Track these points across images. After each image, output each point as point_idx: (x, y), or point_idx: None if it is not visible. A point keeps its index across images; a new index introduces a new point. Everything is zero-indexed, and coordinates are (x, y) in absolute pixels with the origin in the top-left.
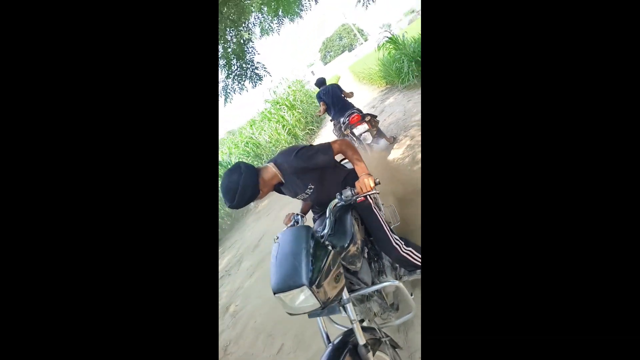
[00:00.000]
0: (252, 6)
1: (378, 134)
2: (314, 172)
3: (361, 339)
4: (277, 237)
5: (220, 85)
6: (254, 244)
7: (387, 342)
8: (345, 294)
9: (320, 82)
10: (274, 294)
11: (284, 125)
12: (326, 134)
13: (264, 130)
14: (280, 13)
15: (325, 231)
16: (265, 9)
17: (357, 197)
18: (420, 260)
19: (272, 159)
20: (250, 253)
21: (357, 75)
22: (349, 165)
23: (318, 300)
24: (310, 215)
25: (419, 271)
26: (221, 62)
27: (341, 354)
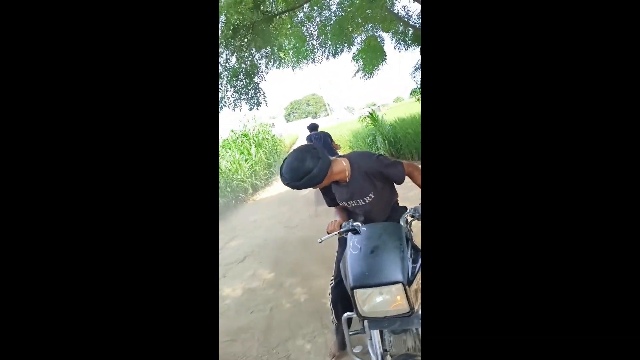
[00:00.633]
0: (276, 39)
1: None
2: (380, 183)
3: None
4: (355, 230)
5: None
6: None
7: None
8: None
9: (313, 127)
10: (354, 288)
11: (246, 159)
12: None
13: (224, 158)
14: (290, 54)
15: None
16: (285, 42)
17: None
18: None
19: (345, 154)
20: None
21: None
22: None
23: (409, 302)
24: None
25: None
26: (227, 72)
27: None
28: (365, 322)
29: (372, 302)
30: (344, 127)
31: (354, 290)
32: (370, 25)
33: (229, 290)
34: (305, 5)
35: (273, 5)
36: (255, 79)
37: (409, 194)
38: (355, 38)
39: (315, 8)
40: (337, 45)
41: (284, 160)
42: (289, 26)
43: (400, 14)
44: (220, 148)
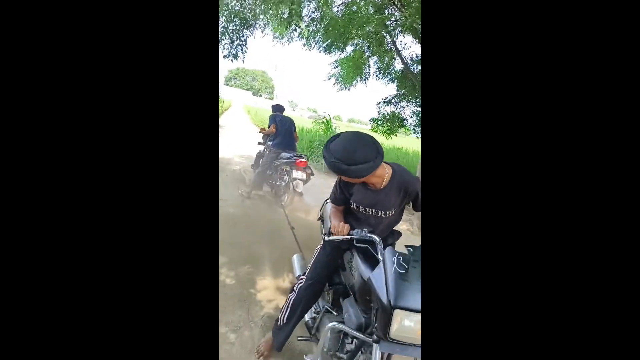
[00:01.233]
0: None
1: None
2: (404, 203)
3: None
4: (372, 241)
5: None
6: None
7: None
8: None
9: (279, 109)
10: (395, 308)
11: None
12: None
13: None
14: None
15: None
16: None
17: None
18: None
19: (388, 162)
20: None
21: (253, 118)
22: None
23: None
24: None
25: None
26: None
27: None
28: (376, 343)
29: (402, 325)
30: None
31: (394, 310)
32: (363, 40)
33: None
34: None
35: None
36: (247, 32)
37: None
38: (349, 46)
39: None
40: (332, 42)
41: (337, 137)
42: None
43: (398, 49)
44: None
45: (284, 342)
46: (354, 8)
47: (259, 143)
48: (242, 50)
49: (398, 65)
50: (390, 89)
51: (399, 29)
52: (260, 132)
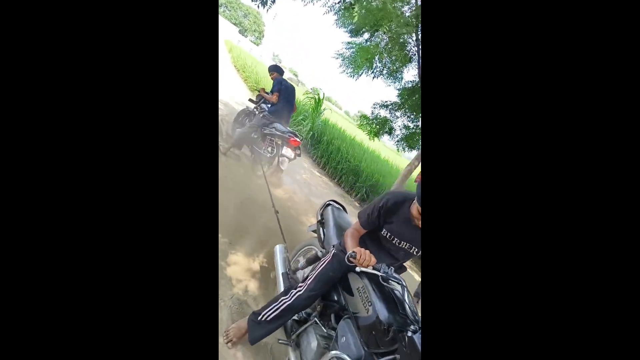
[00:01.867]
0: None
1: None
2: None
3: None
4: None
5: None
6: None
7: None
8: None
9: (280, 71)
10: None
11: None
12: None
13: None
14: None
15: None
16: None
17: None
18: None
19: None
20: None
21: (234, 59)
22: None
23: None
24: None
25: None
26: None
27: None
28: None
29: None
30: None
31: None
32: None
33: None
34: None
35: None
36: None
37: None
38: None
39: None
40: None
41: None
42: None
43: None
44: None
45: (261, 339)
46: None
47: (250, 100)
48: None
49: (407, 75)
50: (392, 94)
51: None
52: (259, 92)
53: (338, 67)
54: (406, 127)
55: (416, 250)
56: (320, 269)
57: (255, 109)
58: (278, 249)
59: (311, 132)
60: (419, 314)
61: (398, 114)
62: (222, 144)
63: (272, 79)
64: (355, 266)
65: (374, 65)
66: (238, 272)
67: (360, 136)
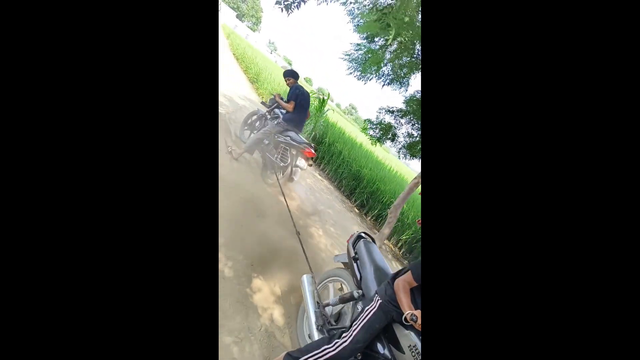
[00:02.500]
0: None
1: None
2: None
3: None
4: None
5: None
6: None
7: None
8: None
9: (295, 76)
10: None
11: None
12: None
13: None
14: None
15: None
16: None
17: None
18: None
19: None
20: None
21: (232, 46)
22: None
23: None
24: None
25: None
26: None
27: None
28: None
29: None
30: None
31: None
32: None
33: None
34: None
35: None
36: None
37: None
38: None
39: None
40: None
41: None
42: None
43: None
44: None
45: None
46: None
47: (263, 103)
48: None
49: (415, 82)
50: (394, 98)
51: None
52: (274, 96)
53: (346, 69)
54: (410, 135)
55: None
56: (366, 319)
57: (267, 113)
58: (306, 280)
59: (313, 133)
60: None
61: (403, 121)
62: (234, 148)
63: (288, 85)
64: (402, 318)
65: (382, 67)
66: (262, 299)
67: (361, 138)
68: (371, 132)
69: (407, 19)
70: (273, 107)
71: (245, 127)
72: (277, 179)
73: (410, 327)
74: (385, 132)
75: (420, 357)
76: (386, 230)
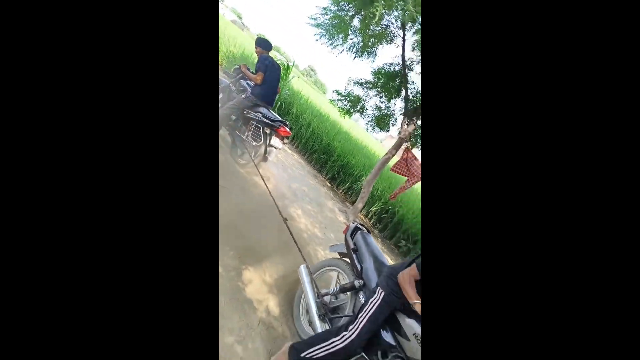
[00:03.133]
0: None
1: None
2: None
3: None
4: None
5: None
6: None
7: None
8: None
9: (268, 47)
10: None
11: None
12: None
13: None
14: None
15: None
16: None
17: None
18: None
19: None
20: None
21: None
22: None
23: None
24: None
25: None
26: None
27: None
28: None
29: None
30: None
31: None
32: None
33: None
34: None
35: None
36: None
37: None
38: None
39: None
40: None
41: None
42: None
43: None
44: None
45: None
46: None
47: (226, 72)
48: None
49: (386, 56)
50: (365, 69)
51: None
52: (241, 69)
53: (314, 34)
54: (378, 107)
55: None
56: (372, 311)
57: (231, 84)
58: (303, 270)
59: (278, 103)
60: None
61: (372, 93)
62: None
63: (257, 54)
64: (405, 307)
65: (348, 35)
66: (254, 291)
67: (326, 107)
68: (340, 103)
69: None
70: (238, 77)
71: None
72: (252, 160)
73: (414, 316)
74: (354, 104)
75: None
76: (359, 204)
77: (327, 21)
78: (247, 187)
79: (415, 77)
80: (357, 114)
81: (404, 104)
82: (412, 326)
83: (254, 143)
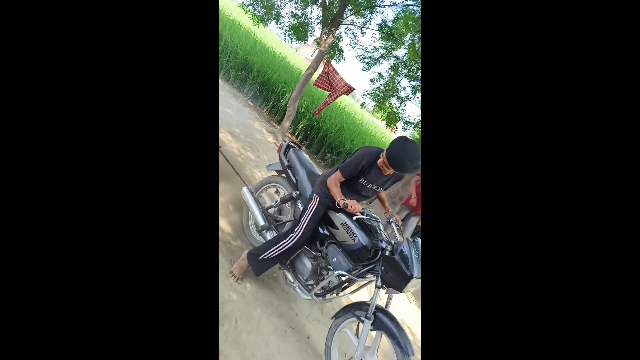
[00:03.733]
0: None
1: None
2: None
3: None
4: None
5: None
6: None
7: None
8: None
9: None
10: (415, 278)
11: None
12: None
13: None
14: None
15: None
16: None
17: None
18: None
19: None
20: None
21: None
22: None
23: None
24: None
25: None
26: None
27: None
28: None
29: (414, 287)
30: None
31: (414, 278)
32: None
33: None
34: None
35: None
36: None
37: None
38: None
39: None
40: None
41: (409, 151)
42: None
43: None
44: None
45: (265, 271)
46: None
47: None
48: None
49: None
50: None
51: None
52: None
53: None
54: (295, 15)
55: (380, 189)
56: (312, 213)
57: None
58: (246, 191)
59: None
60: (394, 239)
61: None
62: None
63: None
64: (334, 205)
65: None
66: None
67: (235, 13)
68: (252, 9)
69: None
70: None
71: None
72: None
73: (341, 211)
74: (268, 11)
75: (348, 230)
76: (287, 123)
77: None
78: None
79: None
80: (273, 22)
81: (320, 12)
82: (340, 217)
83: None
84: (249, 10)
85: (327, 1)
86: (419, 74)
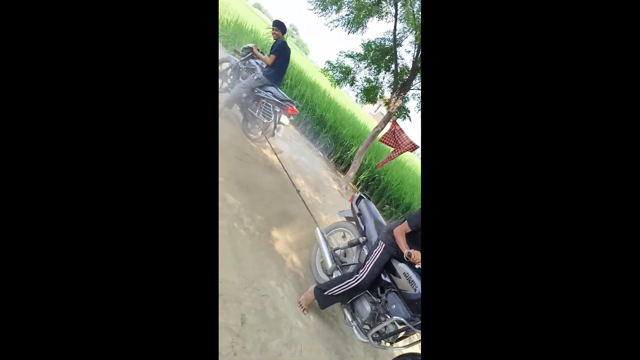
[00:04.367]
0: None
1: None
2: None
3: None
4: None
5: None
6: None
7: None
8: None
9: (283, 29)
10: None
11: None
12: None
13: None
14: None
15: None
16: None
17: None
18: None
19: None
20: None
21: None
22: None
23: None
24: None
25: None
26: None
27: None
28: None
29: None
30: None
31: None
32: None
33: None
34: None
35: None
36: None
37: None
38: None
39: None
40: None
41: None
42: None
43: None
44: None
45: (329, 306)
46: None
47: (236, 52)
48: None
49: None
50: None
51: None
52: (252, 50)
53: (308, 1)
54: (367, 80)
55: None
56: (377, 258)
57: (240, 63)
58: (319, 231)
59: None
60: None
61: (362, 65)
62: None
63: (273, 36)
64: (399, 256)
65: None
66: (281, 248)
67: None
68: (331, 73)
69: None
70: (247, 56)
71: (220, 78)
72: (265, 137)
73: (403, 261)
74: (344, 75)
75: (409, 279)
76: (351, 173)
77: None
78: (263, 161)
79: (403, 53)
80: (348, 85)
81: (392, 78)
82: (402, 268)
83: (265, 120)
84: (328, 74)
85: (398, 69)
86: None
